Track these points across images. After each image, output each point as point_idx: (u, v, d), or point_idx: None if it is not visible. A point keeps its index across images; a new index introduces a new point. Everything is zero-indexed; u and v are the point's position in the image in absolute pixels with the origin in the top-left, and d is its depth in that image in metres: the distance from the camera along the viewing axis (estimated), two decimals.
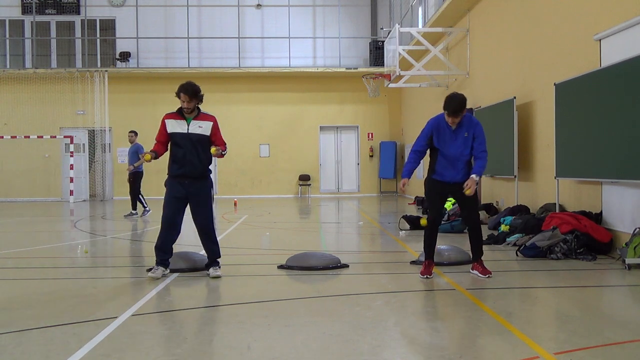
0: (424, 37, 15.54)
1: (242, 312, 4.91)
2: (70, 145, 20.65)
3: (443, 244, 8.34)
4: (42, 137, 20.63)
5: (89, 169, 22.04)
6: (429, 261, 6.34)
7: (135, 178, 14.17)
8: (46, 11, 22.74)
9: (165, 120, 6.35)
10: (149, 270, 6.59)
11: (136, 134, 14.59)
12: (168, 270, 6.43)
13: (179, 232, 6.45)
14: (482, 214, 11.66)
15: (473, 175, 6.07)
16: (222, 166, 22.95)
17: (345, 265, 6.86)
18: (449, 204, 12.71)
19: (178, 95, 6.20)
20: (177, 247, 8.62)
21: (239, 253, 8.60)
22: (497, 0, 12.53)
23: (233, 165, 22.92)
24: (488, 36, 13.08)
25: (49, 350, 3.93)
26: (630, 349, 3.87)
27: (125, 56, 22.59)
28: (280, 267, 6.81)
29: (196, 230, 6.50)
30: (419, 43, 15.65)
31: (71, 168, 20.28)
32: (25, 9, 22.59)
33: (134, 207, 14.27)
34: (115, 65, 22.63)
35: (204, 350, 3.88)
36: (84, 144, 22.09)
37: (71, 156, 20.48)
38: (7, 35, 22.87)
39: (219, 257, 6.48)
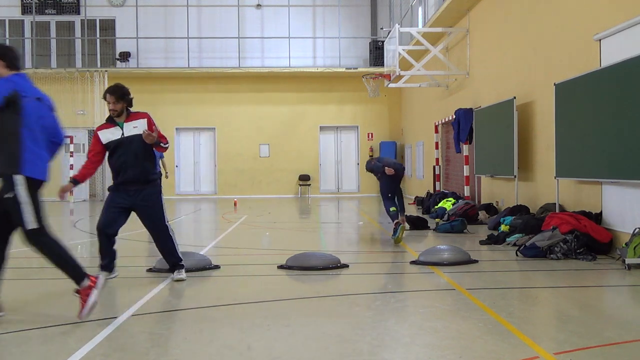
0: (424, 37, 15.54)
1: (242, 312, 4.91)
2: (70, 145, 20.64)
3: (443, 243, 8.35)
4: None
5: None
6: None
7: None
8: (46, 11, 22.74)
9: (98, 133, 6.04)
10: (149, 270, 6.61)
11: None
12: (115, 274, 6.20)
13: (114, 241, 6.15)
14: (482, 214, 11.67)
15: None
16: (222, 166, 22.98)
17: (345, 265, 6.86)
18: (448, 204, 12.72)
19: (104, 96, 5.93)
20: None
21: (239, 253, 8.61)
22: (497, 0, 12.53)
23: (233, 165, 22.94)
24: (488, 36, 13.08)
25: (49, 350, 3.93)
26: (630, 349, 3.87)
27: (125, 56, 22.59)
28: (280, 267, 6.81)
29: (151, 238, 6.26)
30: (419, 43, 15.65)
31: (71, 168, 20.25)
32: (25, 9, 22.59)
33: None
34: (115, 65, 22.63)
35: (204, 351, 3.88)
36: (84, 144, 22.08)
37: (71, 156, 20.47)
38: (7, 35, 22.87)
39: (180, 261, 6.23)
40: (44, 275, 6.78)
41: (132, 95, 6.04)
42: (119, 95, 5.91)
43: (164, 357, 3.76)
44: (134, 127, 5.97)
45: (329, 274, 6.53)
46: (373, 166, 9.69)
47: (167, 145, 6.10)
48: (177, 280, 6.07)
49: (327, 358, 3.72)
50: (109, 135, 5.99)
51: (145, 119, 6.03)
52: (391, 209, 9.47)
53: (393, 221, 9.30)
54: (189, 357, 3.76)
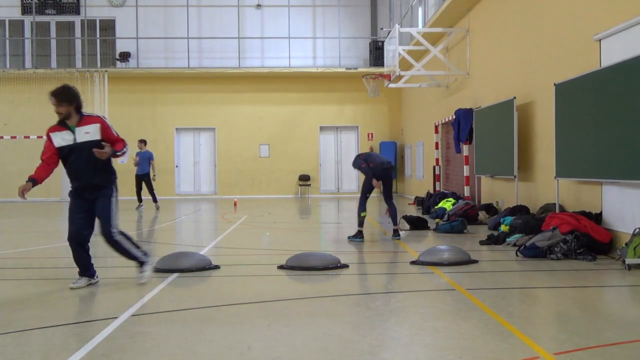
0: (424, 37, 15.54)
1: (242, 312, 4.91)
2: None
3: (443, 244, 8.36)
4: (42, 137, 20.53)
5: None
6: None
7: (140, 178, 16.65)
8: (46, 11, 22.74)
9: (50, 135, 5.70)
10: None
11: (145, 142, 16.91)
12: (96, 279, 6.02)
13: (88, 247, 5.92)
14: (482, 214, 11.67)
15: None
16: (222, 166, 22.97)
17: (345, 265, 6.86)
18: (448, 204, 12.72)
19: (51, 101, 5.60)
20: (176, 247, 8.64)
21: (239, 253, 8.61)
22: (497, 0, 12.53)
23: (233, 165, 22.94)
24: (488, 36, 13.08)
25: (49, 350, 3.93)
26: (630, 349, 3.87)
27: (125, 56, 22.59)
28: (280, 267, 6.81)
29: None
30: (419, 43, 15.66)
31: None
32: (25, 9, 22.59)
33: (155, 200, 16.69)
34: (115, 66, 22.63)
35: (204, 350, 3.88)
36: None
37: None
38: (7, 35, 22.86)
39: (139, 258, 6.05)
40: (44, 275, 6.78)
41: (81, 99, 5.71)
42: (59, 99, 5.58)
43: (164, 357, 3.76)
44: (86, 133, 5.65)
45: (329, 274, 6.53)
46: (362, 169, 9.45)
47: (123, 151, 5.79)
48: (141, 284, 5.88)
49: (327, 358, 3.72)
50: (60, 139, 5.68)
51: (99, 124, 5.70)
52: (362, 213, 9.39)
53: (359, 226, 9.35)
54: (189, 357, 3.76)
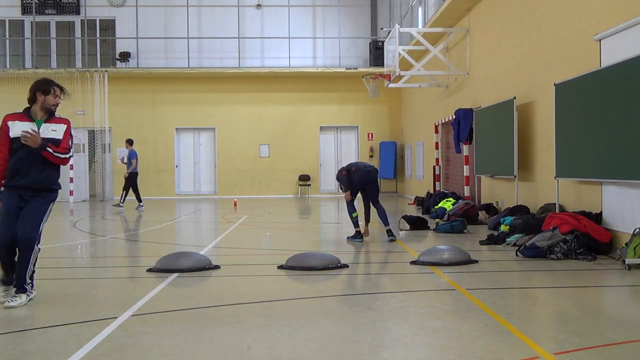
0: (424, 37, 15.54)
1: (242, 312, 4.91)
2: None
3: (443, 244, 8.36)
4: None
5: (89, 169, 22.04)
6: None
7: (130, 177, 17.07)
8: (46, 11, 22.73)
9: (8, 123, 5.24)
10: (149, 270, 6.60)
11: (131, 142, 17.38)
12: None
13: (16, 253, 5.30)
14: (482, 214, 11.67)
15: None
16: (222, 166, 22.97)
17: (345, 265, 6.86)
18: (448, 204, 12.73)
19: (48, 90, 5.26)
20: (176, 247, 8.63)
21: (239, 253, 8.61)
22: (497, 0, 12.53)
23: (233, 165, 22.93)
24: (488, 36, 13.08)
25: (49, 350, 3.93)
26: (630, 349, 3.87)
27: (125, 56, 22.59)
28: (280, 267, 6.81)
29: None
30: (419, 43, 15.65)
31: (71, 168, 20.24)
32: (25, 9, 22.59)
33: (122, 200, 17.09)
34: (115, 66, 22.63)
35: (204, 350, 3.88)
36: (83, 144, 22.05)
37: (71, 156, 20.43)
38: (7, 35, 22.86)
39: (25, 283, 5.20)
40: (44, 275, 6.78)
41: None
42: (63, 91, 5.41)
43: (164, 357, 3.76)
44: (53, 130, 5.31)
45: (329, 274, 6.53)
46: (341, 178, 9.36)
47: (61, 156, 5.33)
48: (8, 308, 5.04)
49: (327, 358, 3.72)
50: (18, 129, 5.19)
51: (66, 126, 5.42)
52: (353, 214, 9.30)
53: (355, 227, 9.27)
54: (189, 357, 3.76)
